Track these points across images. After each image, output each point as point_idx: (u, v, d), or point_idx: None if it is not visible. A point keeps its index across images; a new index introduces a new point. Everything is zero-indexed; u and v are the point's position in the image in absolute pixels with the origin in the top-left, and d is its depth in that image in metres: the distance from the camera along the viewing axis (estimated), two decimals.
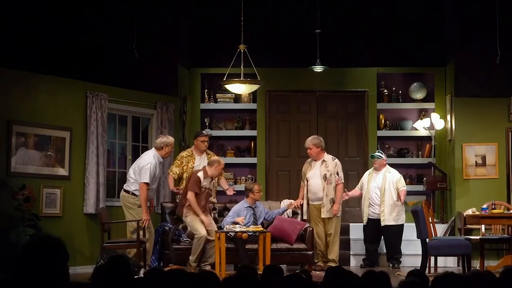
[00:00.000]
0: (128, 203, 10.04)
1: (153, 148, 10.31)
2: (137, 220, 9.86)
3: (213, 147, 13.14)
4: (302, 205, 11.03)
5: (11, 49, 10.09)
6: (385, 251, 11.63)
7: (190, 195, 9.98)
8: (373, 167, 11.61)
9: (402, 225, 11.37)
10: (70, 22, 10.83)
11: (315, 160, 10.90)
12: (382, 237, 11.53)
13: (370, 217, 11.38)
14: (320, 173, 10.79)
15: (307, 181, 10.94)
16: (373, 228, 11.40)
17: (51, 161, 10.54)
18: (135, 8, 11.40)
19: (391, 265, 11.34)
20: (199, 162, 10.81)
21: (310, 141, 10.91)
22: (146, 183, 9.92)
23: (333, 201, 10.74)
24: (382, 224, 11.25)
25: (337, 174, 10.80)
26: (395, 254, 11.38)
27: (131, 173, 10.14)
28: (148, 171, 9.93)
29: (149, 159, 10.08)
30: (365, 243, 11.57)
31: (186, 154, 10.94)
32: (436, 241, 10.50)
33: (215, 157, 10.57)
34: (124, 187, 10.22)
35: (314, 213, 10.87)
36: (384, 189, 11.32)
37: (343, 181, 10.94)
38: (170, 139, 10.30)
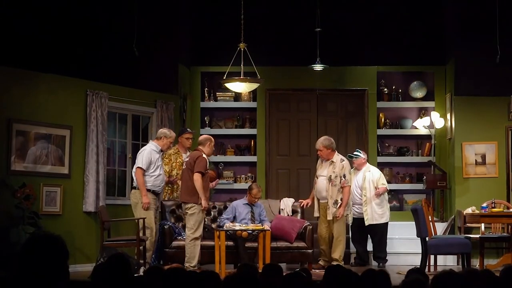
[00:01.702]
0: (135, 199, 10.00)
1: (151, 140, 10.33)
2: (138, 218, 9.86)
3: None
4: (306, 205, 11.03)
5: (11, 48, 10.09)
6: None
7: (198, 177, 9.58)
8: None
9: (387, 223, 11.38)
10: (70, 20, 10.82)
11: (326, 160, 10.90)
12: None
13: (355, 216, 11.37)
14: (327, 174, 10.79)
15: (317, 178, 10.95)
16: (358, 227, 11.40)
17: (51, 159, 10.54)
18: (135, 6, 11.40)
19: (376, 264, 11.38)
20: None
21: (321, 142, 10.90)
22: (140, 168, 9.89)
23: (337, 203, 10.69)
24: (366, 223, 11.27)
25: (344, 176, 10.74)
26: (379, 253, 11.39)
27: (134, 169, 10.16)
28: (142, 157, 9.94)
29: (144, 147, 10.17)
30: (352, 243, 11.57)
31: (173, 152, 10.91)
32: (436, 239, 10.51)
33: (206, 135, 10.27)
34: (133, 185, 10.22)
35: (321, 211, 10.87)
36: (364, 188, 11.33)
37: (350, 184, 10.88)
38: (172, 133, 10.31)
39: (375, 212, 11.29)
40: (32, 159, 10.23)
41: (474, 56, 12.19)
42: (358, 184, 11.37)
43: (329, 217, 10.70)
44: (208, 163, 9.91)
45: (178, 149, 10.97)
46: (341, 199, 10.71)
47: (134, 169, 10.13)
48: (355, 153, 11.52)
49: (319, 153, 10.90)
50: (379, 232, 11.36)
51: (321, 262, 10.78)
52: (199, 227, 9.75)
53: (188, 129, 11.29)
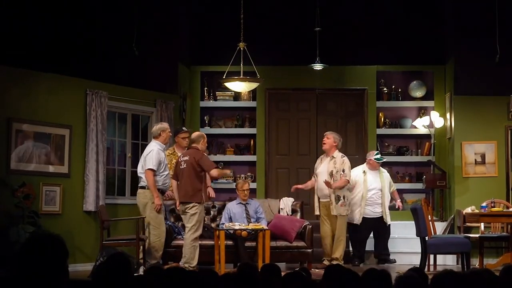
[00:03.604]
0: (145, 199, 9.92)
1: (152, 139, 10.25)
2: (137, 217, 9.86)
3: (212, 145, 13.15)
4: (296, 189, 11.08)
5: (11, 47, 10.09)
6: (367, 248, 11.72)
7: (215, 171, 9.84)
8: (364, 164, 11.61)
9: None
10: (70, 19, 10.82)
11: (326, 156, 10.89)
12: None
13: (368, 216, 11.37)
14: (327, 170, 10.76)
15: (316, 177, 10.94)
16: (369, 227, 11.42)
17: (51, 159, 10.54)
18: (135, 6, 11.40)
19: (384, 263, 11.36)
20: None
21: (331, 132, 11.04)
22: (151, 169, 9.79)
23: (339, 199, 10.66)
24: (388, 222, 11.44)
25: (343, 171, 10.71)
26: (387, 252, 11.48)
27: (139, 169, 10.05)
28: (151, 158, 9.85)
29: (150, 147, 10.04)
30: (356, 243, 11.54)
31: (168, 153, 10.82)
32: (436, 239, 10.50)
33: (197, 133, 10.27)
34: (139, 185, 10.12)
35: (322, 211, 10.83)
36: (383, 187, 11.43)
37: (348, 179, 10.81)
38: (165, 124, 10.26)
39: (388, 212, 11.43)
40: (16, 159, 10.12)
41: (473, 56, 12.19)
42: (379, 185, 11.43)
43: (333, 212, 10.65)
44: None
45: (174, 149, 10.93)
46: (344, 196, 10.68)
47: (140, 169, 10.00)
48: (379, 155, 11.61)
49: (324, 140, 10.91)
50: (388, 231, 11.48)
51: (325, 262, 10.67)
52: (200, 227, 9.73)
53: (184, 128, 11.26)
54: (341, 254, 10.70)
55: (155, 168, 9.81)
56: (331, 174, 10.71)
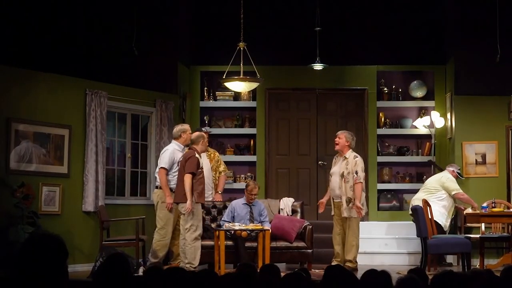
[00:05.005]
0: (157, 198, 9.98)
1: (172, 140, 10.28)
2: (137, 218, 9.85)
3: (212, 145, 13.12)
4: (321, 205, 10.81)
5: (10, 47, 10.08)
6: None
7: (188, 177, 9.44)
8: (449, 175, 11.61)
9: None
10: (70, 19, 10.81)
11: (339, 156, 10.66)
12: None
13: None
14: (340, 170, 10.51)
15: (331, 177, 10.76)
16: None
17: (50, 159, 10.52)
18: (134, 6, 11.39)
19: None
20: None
21: (343, 131, 10.70)
22: (163, 168, 9.91)
23: (349, 200, 10.35)
24: None
25: (356, 173, 10.35)
26: None
27: (157, 169, 10.17)
28: (164, 157, 9.95)
29: (166, 147, 10.17)
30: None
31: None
32: (436, 239, 10.49)
33: (196, 133, 10.17)
34: (156, 184, 10.23)
35: (335, 211, 10.61)
36: None
37: (362, 181, 10.42)
38: (185, 126, 10.36)
39: None
40: (17, 159, 10.11)
41: (474, 56, 12.18)
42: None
43: (343, 214, 10.41)
44: (199, 161, 9.78)
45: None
46: (355, 199, 10.33)
47: (157, 169, 10.14)
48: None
49: (336, 140, 10.58)
50: None
51: (333, 264, 10.52)
52: (199, 226, 9.66)
53: (203, 129, 11.30)
54: (354, 256, 10.40)
55: (166, 167, 9.90)
56: (342, 175, 10.43)
